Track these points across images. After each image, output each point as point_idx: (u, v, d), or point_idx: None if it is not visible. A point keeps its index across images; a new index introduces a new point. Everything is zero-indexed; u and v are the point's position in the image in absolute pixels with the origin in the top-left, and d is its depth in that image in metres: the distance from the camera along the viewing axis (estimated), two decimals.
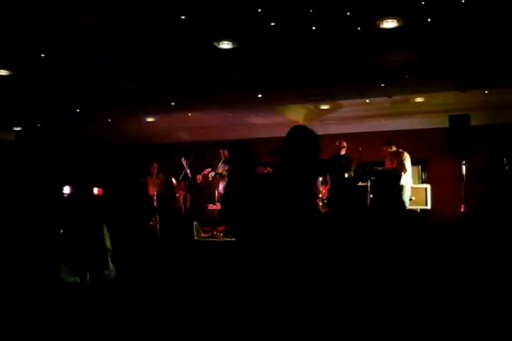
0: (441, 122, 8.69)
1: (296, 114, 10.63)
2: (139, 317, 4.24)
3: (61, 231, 6.47)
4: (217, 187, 9.45)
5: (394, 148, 8.41)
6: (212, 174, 9.34)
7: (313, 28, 5.58)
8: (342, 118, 10.67)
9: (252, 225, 3.68)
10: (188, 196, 10.27)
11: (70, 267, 5.45)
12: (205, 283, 5.32)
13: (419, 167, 8.59)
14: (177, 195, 10.54)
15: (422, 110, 9.91)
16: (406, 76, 7.37)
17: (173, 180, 10.42)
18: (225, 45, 6.15)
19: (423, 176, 10.14)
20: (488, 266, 5.96)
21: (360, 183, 8.92)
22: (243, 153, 4.56)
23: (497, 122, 9.48)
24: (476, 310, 4.85)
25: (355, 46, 6.28)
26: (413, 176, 8.67)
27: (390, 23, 5.51)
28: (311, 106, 10.32)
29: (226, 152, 9.49)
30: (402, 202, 8.09)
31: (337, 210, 8.44)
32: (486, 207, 7.52)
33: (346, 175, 8.35)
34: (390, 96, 9.00)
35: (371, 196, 8.67)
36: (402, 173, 8.21)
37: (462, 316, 4.77)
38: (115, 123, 11.04)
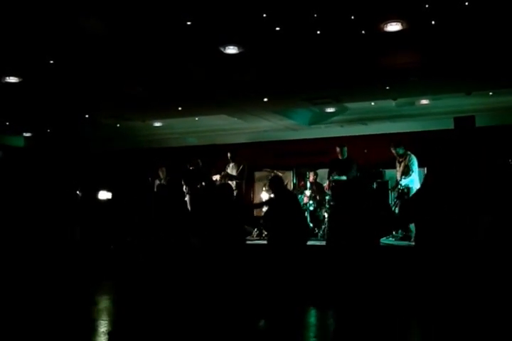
0: (447, 124, 8.70)
1: (301, 117, 10.67)
2: None
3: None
4: None
5: (402, 150, 8.43)
6: (219, 177, 9.38)
7: (318, 32, 5.65)
8: (347, 121, 10.71)
9: None
10: None
11: None
12: None
13: (425, 169, 8.63)
14: (185, 199, 10.57)
15: (427, 112, 9.93)
16: (412, 78, 7.38)
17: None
18: (231, 49, 6.22)
19: None
20: (493, 266, 5.98)
21: None
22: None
23: (502, 123, 9.48)
24: (476, 309, 4.87)
25: (360, 49, 6.33)
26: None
27: (394, 26, 5.57)
28: (316, 109, 10.36)
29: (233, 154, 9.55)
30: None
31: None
32: (492, 208, 7.52)
33: None
34: (395, 99, 9.03)
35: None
36: (404, 176, 8.22)
37: (463, 316, 4.79)
38: (124, 127, 11.14)
